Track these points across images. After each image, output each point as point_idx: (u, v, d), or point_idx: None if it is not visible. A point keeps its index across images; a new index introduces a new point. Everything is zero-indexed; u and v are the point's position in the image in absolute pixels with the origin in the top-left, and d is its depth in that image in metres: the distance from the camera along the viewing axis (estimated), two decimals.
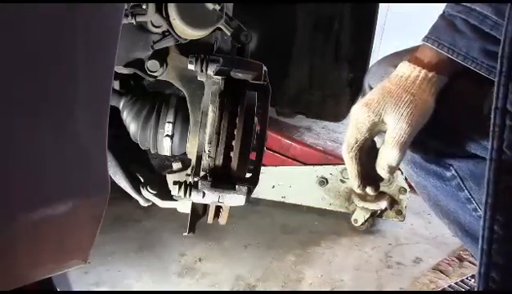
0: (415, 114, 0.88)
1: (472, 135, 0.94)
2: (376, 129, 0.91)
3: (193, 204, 1.08)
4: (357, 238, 2.13)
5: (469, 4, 0.88)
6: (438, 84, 0.90)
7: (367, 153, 0.93)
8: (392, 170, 0.92)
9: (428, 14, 2.76)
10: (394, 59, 1.02)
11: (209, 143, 1.00)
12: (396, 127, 0.88)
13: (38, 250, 0.72)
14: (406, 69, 0.91)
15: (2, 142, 0.61)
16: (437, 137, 0.97)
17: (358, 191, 0.97)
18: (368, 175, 0.95)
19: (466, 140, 0.96)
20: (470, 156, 0.99)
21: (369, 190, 0.96)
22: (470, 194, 1.03)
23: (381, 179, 0.95)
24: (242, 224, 2.15)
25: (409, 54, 0.95)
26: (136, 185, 1.17)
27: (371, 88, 1.05)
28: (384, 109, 0.89)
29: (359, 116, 0.91)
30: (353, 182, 0.96)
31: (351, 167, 0.94)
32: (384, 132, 0.91)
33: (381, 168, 0.93)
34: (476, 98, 0.90)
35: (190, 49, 1.05)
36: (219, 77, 1.00)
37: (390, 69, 0.99)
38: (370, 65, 1.91)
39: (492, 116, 0.80)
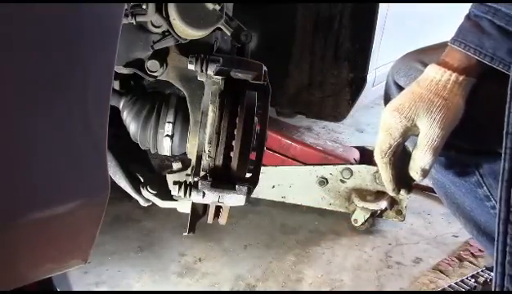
0: (448, 118, 0.89)
1: (496, 135, 0.94)
2: (409, 134, 0.92)
3: (193, 204, 1.08)
4: (357, 238, 2.13)
5: (494, 4, 0.87)
6: (468, 87, 0.90)
7: (399, 156, 0.94)
8: (426, 173, 0.93)
9: (428, 14, 2.76)
10: (418, 54, 1.01)
11: (209, 143, 1.00)
12: (429, 132, 0.89)
13: (38, 250, 0.72)
14: (435, 72, 0.90)
15: (2, 142, 0.61)
16: (461, 135, 0.97)
17: (393, 194, 0.99)
18: (401, 178, 0.96)
19: (490, 139, 0.96)
20: (492, 153, 0.99)
21: (403, 192, 0.98)
22: (489, 191, 1.03)
23: (413, 180, 0.96)
24: (242, 224, 2.15)
25: (434, 52, 0.94)
26: (137, 185, 1.17)
27: (396, 84, 1.05)
28: (417, 114, 0.89)
29: (391, 121, 0.91)
30: (388, 186, 0.97)
31: (385, 172, 0.95)
32: (416, 136, 0.92)
33: (414, 172, 0.94)
34: (502, 98, 0.89)
35: (190, 49, 1.05)
36: (219, 77, 1.00)
37: (415, 65, 0.98)
38: (369, 65, 1.91)
39: (504, 140, 0.82)
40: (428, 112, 0.89)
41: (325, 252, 2.03)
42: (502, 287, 0.82)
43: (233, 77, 1.00)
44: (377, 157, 0.95)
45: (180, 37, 1.01)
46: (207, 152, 1.01)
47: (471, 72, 0.90)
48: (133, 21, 0.97)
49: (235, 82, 1.00)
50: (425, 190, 2.52)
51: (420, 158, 0.91)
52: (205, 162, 1.01)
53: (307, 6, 1.88)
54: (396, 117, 0.91)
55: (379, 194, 2.11)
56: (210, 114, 1.01)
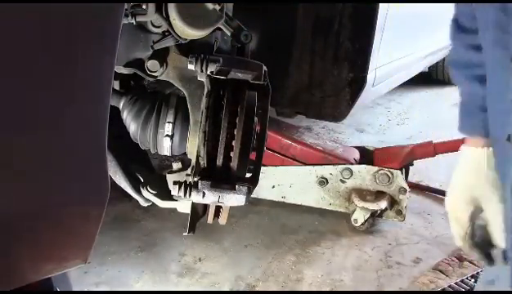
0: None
1: None
2: (476, 216, 0.98)
3: (193, 204, 1.08)
4: (357, 238, 2.13)
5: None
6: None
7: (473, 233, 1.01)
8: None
9: (428, 14, 2.75)
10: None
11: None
12: (494, 209, 0.94)
13: (38, 250, 0.72)
14: (471, 151, 0.97)
15: (3, 143, 0.61)
16: None
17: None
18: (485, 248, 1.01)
19: None
20: None
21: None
22: None
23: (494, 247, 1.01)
24: (242, 224, 2.15)
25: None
26: (137, 185, 1.17)
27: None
28: (478, 196, 0.96)
29: (458, 211, 0.99)
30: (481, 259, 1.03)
31: (473, 252, 1.02)
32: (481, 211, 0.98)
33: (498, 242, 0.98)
34: None
35: (190, 49, 1.05)
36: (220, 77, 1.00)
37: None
38: (369, 65, 1.90)
39: None
40: (488, 191, 0.94)
41: (325, 252, 2.03)
42: None
43: (233, 78, 1.00)
44: (459, 244, 1.02)
45: (180, 37, 1.01)
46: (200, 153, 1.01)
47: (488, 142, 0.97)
48: (133, 21, 0.97)
49: (235, 82, 1.00)
50: (425, 190, 2.52)
51: (497, 236, 0.94)
52: (202, 162, 1.01)
53: (307, 6, 1.88)
54: (460, 205, 0.98)
55: (379, 194, 2.11)
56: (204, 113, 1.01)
